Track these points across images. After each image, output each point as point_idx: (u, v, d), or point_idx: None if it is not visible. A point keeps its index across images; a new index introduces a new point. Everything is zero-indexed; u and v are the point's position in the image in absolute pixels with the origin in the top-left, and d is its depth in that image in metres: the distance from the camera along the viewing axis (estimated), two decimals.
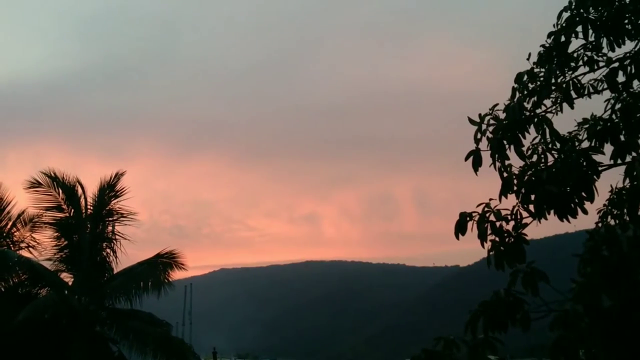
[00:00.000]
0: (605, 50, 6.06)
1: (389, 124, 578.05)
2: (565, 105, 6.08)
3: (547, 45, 6.29)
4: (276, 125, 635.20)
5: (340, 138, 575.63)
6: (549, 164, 5.75)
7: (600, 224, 6.39)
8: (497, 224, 5.66)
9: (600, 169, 5.49)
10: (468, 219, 5.70)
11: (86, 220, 18.67)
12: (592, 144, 5.73)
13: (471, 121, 6.02)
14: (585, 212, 5.42)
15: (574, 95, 6.07)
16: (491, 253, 5.68)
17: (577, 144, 5.88)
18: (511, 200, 5.71)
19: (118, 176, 19.11)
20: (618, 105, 5.92)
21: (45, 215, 18.63)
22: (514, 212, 5.68)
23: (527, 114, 6.01)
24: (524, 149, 5.93)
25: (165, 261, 18.96)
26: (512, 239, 5.67)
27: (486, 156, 5.97)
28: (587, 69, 6.13)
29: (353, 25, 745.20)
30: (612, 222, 6.33)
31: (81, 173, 19.76)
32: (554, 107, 6.13)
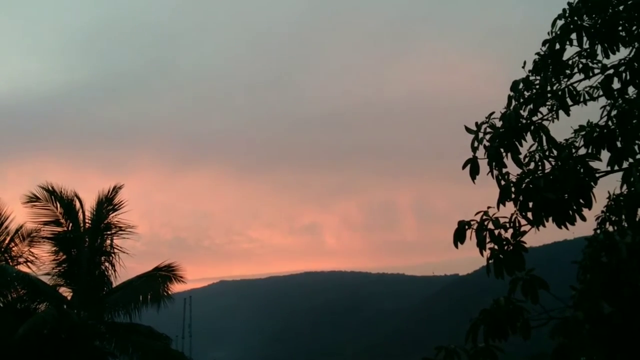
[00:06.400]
0: (600, 57, 6.11)
1: (389, 133, 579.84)
2: (561, 112, 6.12)
3: (542, 53, 6.33)
4: (276, 136, 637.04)
5: (341, 148, 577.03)
6: (546, 171, 5.76)
7: (598, 231, 6.39)
8: (496, 232, 5.66)
9: (597, 175, 5.50)
10: (467, 227, 5.70)
11: (84, 234, 18.60)
12: (589, 151, 5.75)
13: (468, 130, 6.04)
14: (583, 218, 5.43)
15: (569, 102, 6.11)
16: (490, 261, 5.68)
17: (573, 151, 5.90)
18: (509, 208, 5.72)
19: (116, 189, 19.04)
20: (614, 112, 5.95)
21: (44, 230, 18.55)
22: (513, 219, 5.69)
23: (524, 121, 6.04)
24: (521, 156, 5.95)
25: (164, 274, 18.88)
26: (511, 247, 5.67)
27: (484, 164, 5.98)
28: (582, 76, 6.17)
29: (353, 36, 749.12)
30: (611, 229, 6.33)
31: (81, 187, 19.85)
32: (550, 114, 6.16)
